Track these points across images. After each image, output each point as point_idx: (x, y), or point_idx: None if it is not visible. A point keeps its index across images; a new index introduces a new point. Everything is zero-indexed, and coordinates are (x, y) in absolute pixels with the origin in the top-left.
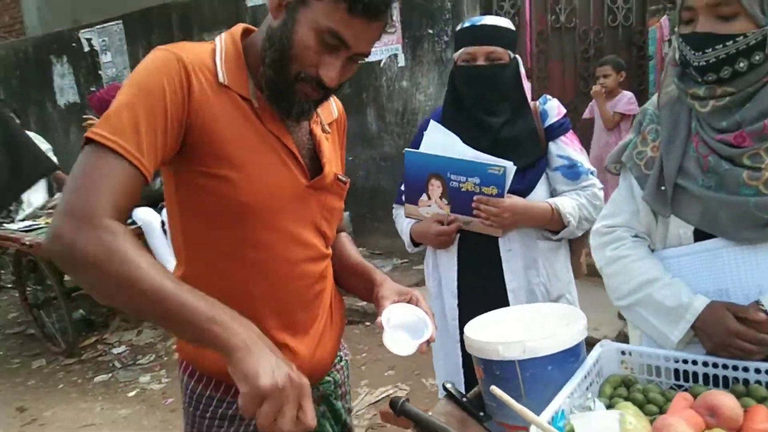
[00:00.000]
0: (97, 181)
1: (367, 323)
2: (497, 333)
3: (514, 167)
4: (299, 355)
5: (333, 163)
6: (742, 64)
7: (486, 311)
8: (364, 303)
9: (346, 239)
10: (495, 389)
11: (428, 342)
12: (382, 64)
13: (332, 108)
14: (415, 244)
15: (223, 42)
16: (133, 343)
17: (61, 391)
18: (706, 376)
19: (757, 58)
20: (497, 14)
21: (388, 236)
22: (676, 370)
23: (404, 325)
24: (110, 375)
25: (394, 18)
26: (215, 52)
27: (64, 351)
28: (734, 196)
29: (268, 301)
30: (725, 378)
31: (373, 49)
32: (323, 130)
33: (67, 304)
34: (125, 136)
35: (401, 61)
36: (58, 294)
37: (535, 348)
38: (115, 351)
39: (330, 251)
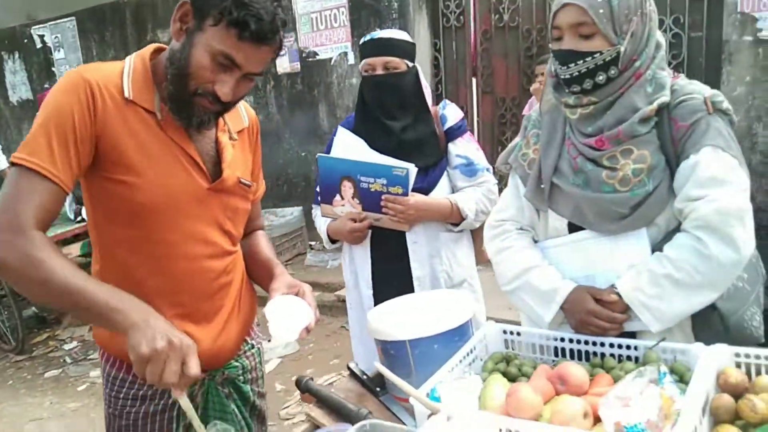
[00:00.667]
0: (20, 198)
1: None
2: (394, 317)
3: (416, 169)
4: (201, 342)
5: (237, 167)
6: (600, 77)
7: (395, 298)
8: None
9: (261, 237)
10: (378, 365)
11: (308, 329)
12: (332, 62)
13: (242, 117)
14: (333, 240)
15: (132, 61)
16: (85, 338)
17: (10, 387)
18: (571, 351)
19: (612, 72)
20: (443, 14)
21: None
22: (555, 348)
23: (289, 314)
24: (61, 370)
25: (286, 42)
26: (123, 70)
27: (14, 348)
28: (596, 193)
29: (168, 294)
30: (587, 352)
31: (324, 47)
32: (230, 138)
33: (16, 302)
34: (41, 156)
35: (351, 59)
36: (8, 292)
37: (422, 329)
38: (66, 347)
39: (236, 248)
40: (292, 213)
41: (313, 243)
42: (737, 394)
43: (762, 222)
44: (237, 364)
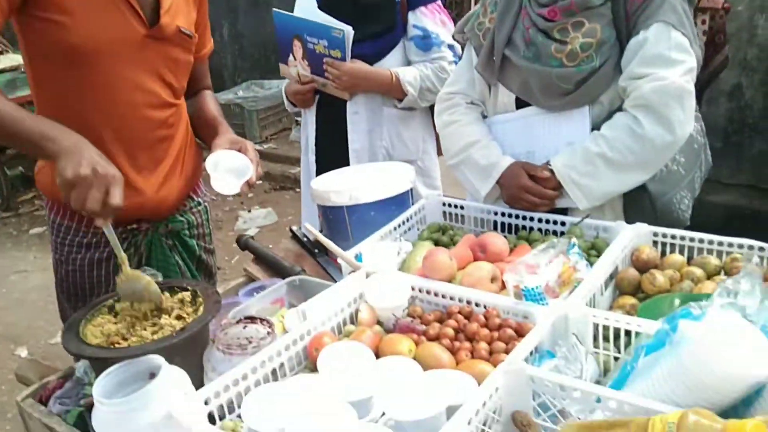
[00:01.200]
0: None
1: (297, 189)
2: (335, 185)
3: (352, 32)
4: (143, 192)
5: (177, 16)
6: None
7: (336, 168)
8: (296, 171)
9: (208, 96)
10: (306, 225)
11: (249, 184)
12: None
13: None
14: (293, 104)
15: None
16: None
17: None
18: (503, 224)
19: None
20: None
21: None
22: (483, 219)
23: (231, 169)
24: (45, 228)
25: None
26: None
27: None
28: (544, 67)
29: (113, 141)
30: (517, 226)
31: None
32: None
33: (2, 161)
34: None
35: None
36: None
37: (359, 195)
38: None
39: (178, 101)
40: (278, 86)
41: (299, 118)
42: (646, 269)
43: (747, 119)
44: (182, 218)
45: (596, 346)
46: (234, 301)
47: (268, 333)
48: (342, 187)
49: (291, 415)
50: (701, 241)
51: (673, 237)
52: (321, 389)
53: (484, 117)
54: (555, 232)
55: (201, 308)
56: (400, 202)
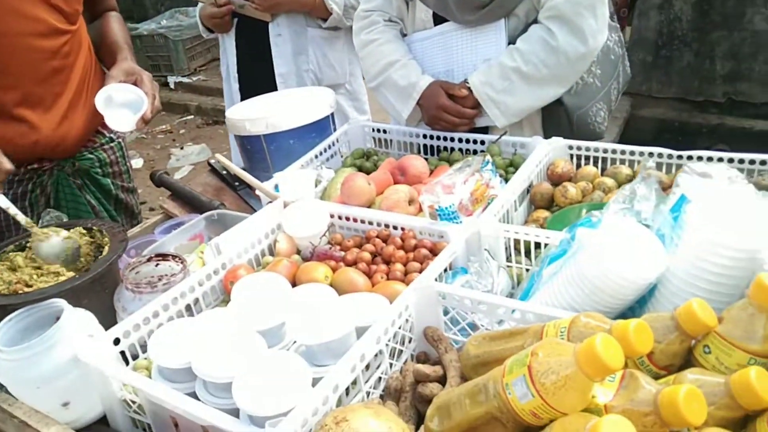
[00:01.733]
0: None
1: None
2: (252, 113)
3: None
4: (40, 129)
5: None
6: None
7: (262, 94)
8: None
9: (112, 18)
10: (218, 156)
11: (144, 120)
12: None
13: None
14: (209, 29)
15: None
16: None
17: None
18: (425, 146)
19: None
20: None
21: None
22: (405, 143)
23: (125, 103)
24: None
25: None
26: None
27: None
28: None
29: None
30: (439, 147)
31: None
32: None
33: None
34: None
35: None
36: None
37: (277, 123)
38: None
39: (74, 27)
40: None
41: None
42: (560, 183)
43: (677, 32)
44: (92, 156)
45: (510, 260)
46: (150, 239)
47: (181, 270)
48: (258, 115)
49: (198, 348)
50: (614, 151)
51: (587, 149)
52: (232, 321)
53: (404, 35)
54: (476, 152)
55: (107, 248)
56: (321, 128)
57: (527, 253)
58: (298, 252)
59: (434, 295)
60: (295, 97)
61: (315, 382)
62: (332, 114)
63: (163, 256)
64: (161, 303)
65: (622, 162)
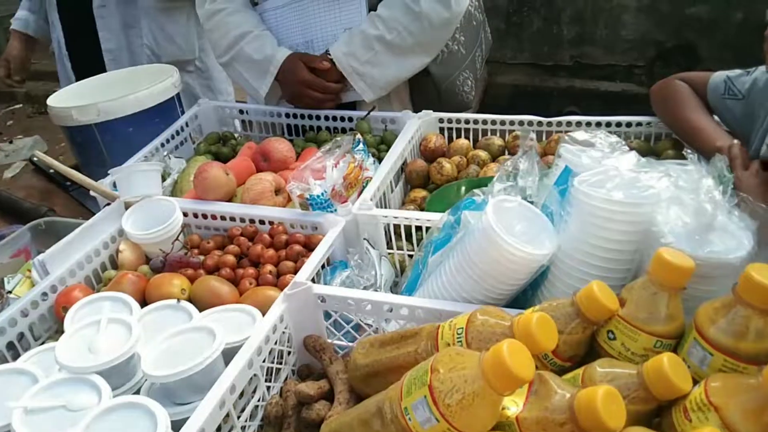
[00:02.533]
0: None
1: None
2: (79, 99)
3: None
4: None
5: None
6: None
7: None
8: None
9: None
10: (38, 153)
11: None
12: None
13: None
14: None
15: None
16: None
17: None
18: (289, 126)
19: None
20: None
21: None
22: (266, 124)
23: None
24: None
25: None
26: None
27: None
28: None
29: None
30: (303, 127)
31: None
32: None
33: None
34: None
35: None
36: None
37: (111, 109)
38: None
39: None
40: None
41: None
42: (434, 158)
43: None
44: None
45: (391, 245)
46: None
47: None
48: (87, 100)
49: (21, 407)
50: (485, 122)
51: (458, 121)
52: (63, 361)
53: (254, 4)
54: (345, 130)
55: None
56: (166, 112)
57: (408, 237)
58: (148, 261)
59: (312, 298)
60: (132, 77)
61: (177, 425)
62: (178, 95)
63: None
64: None
65: (493, 132)
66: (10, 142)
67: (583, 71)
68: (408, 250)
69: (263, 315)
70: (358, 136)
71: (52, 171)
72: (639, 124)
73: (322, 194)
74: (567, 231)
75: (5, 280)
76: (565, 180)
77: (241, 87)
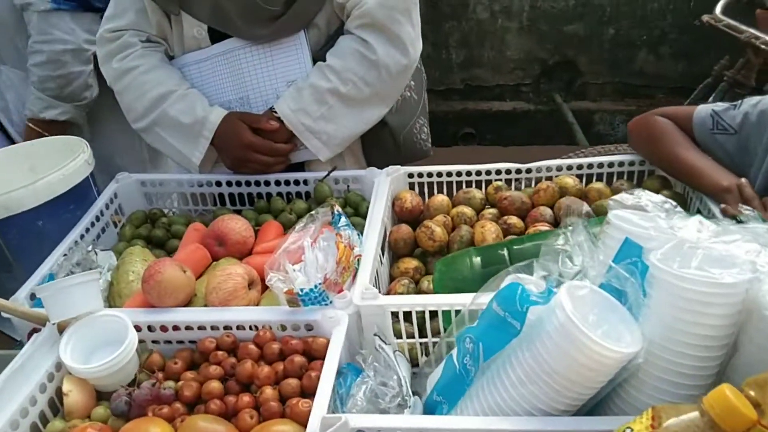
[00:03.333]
0: None
1: None
2: None
3: None
4: None
5: None
6: None
7: None
8: None
9: None
10: None
11: None
12: None
13: None
14: None
15: None
16: None
17: None
18: (232, 196)
19: None
20: None
21: None
22: (202, 195)
23: None
24: None
25: None
26: None
27: None
28: None
29: None
30: (250, 195)
31: None
32: None
33: None
34: None
35: None
36: None
37: (15, 202)
38: None
39: None
40: None
41: None
42: (413, 219)
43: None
44: None
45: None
46: None
47: None
48: None
49: None
50: (459, 174)
51: (429, 175)
52: None
53: (171, 58)
54: (299, 194)
55: None
56: (80, 195)
57: (407, 317)
58: (98, 399)
59: None
60: (38, 153)
61: None
62: (92, 173)
63: None
64: None
65: (468, 184)
66: None
67: (474, 93)
68: (416, 337)
69: None
70: (337, 208)
71: None
72: (621, 163)
73: (316, 287)
74: (651, 319)
75: None
76: (627, 255)
77: (167, 154)
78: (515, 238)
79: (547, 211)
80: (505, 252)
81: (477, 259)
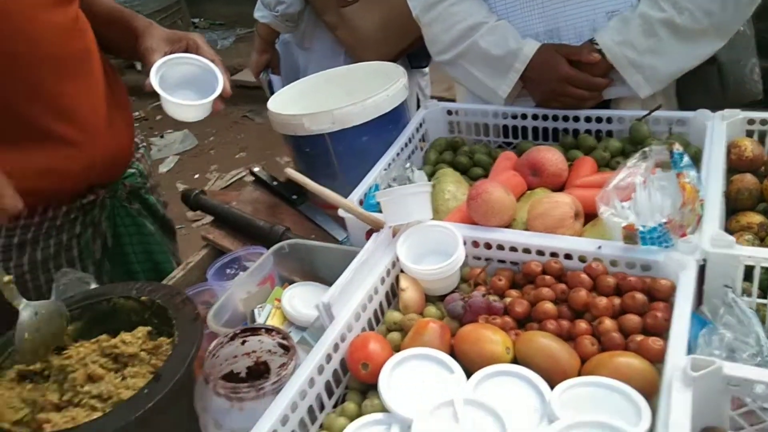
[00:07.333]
0: None
1: None
2: (306, 101)
3: None
4: (87, 146)
5: None
6: None
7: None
8: None
9: None
10: (290, 171)
11: (222, 96)
12: None
13: None
14: None
15: None
16: None
17: None
18: (535, 130)
19: None
20: None
21: (230, 3)
22: (505, 127)
23: (187, 80)
24: None
25: None
26: None
27: None
28: None
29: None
30: (555, 131)
31: None
32: None
33: None
34: None
35: None
36: None
37: (345, 117)
38: None
39: None
40: None
41: (196, 20)
42: (753, 170)
43: None
44: (133, 170)
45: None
46: (202, 288)
47: (285, 352)
48: (318, 107)
49: None
50: None
51: None
52: None
53: None
54: (610, 132)
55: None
56: (396, 117)
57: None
58: (426, 300)
59: (720, 381)
60: (355, 77)
61: None
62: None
63: (253, 330)
64: (277, 414)
65: None
66: (161, 137)
67: None
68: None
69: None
70: (677, 146)
71: (275, 183)
72: None
73: (659, 226)
74: None
75: (255, 311)
76: None
77: (468, 87)
78: None
79: None
80: None
81: None
